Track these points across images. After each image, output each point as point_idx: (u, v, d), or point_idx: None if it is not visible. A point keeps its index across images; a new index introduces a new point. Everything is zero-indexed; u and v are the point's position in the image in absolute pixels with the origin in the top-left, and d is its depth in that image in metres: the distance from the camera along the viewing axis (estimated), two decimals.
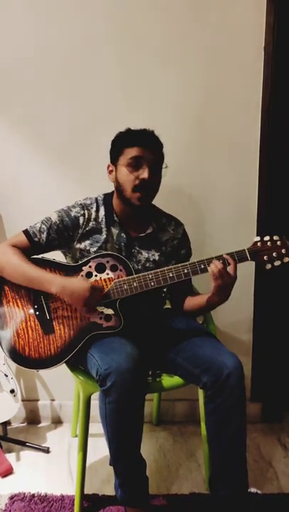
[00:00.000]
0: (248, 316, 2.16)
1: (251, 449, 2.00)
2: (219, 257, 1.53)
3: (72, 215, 1.65)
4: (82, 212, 1.65)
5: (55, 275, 1.57)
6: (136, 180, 1.58)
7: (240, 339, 2.18)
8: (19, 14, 1.90)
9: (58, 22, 1.91)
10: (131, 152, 1.58)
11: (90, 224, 1.65)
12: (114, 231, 1.66)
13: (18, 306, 1.61)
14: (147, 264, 1.66)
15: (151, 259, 1.67)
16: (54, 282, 1.54)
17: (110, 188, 1.71)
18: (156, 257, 1.68)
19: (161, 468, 1.92)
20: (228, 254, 1.53)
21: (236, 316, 2.16)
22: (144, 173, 1.56)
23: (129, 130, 1.64)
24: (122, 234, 1.66)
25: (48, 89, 1.96)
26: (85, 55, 1.93)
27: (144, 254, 1.67)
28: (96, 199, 1.69)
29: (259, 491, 1.78)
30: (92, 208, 1.67)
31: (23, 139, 1.99)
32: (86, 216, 1.65)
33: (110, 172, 1.66)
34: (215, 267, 1.49)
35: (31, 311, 1.60)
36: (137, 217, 1.67)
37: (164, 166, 1.64)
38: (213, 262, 1.51)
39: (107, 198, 1.70)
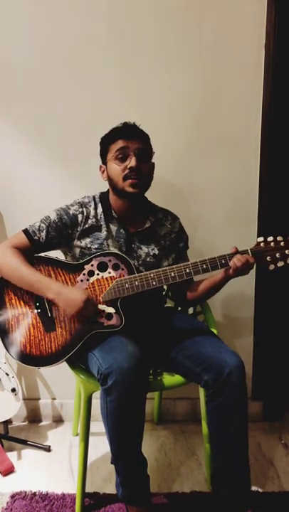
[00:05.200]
0: (249, 314, 2.16)
1: (252, 448, 2.00)
2: (222, 257, 1.53)
3: (71, 213, 1.65)
4: (80, 210, 1.66)
5: (52, 280, 1.57)
6: (125, 170, 1.60)
7: (241, 338, 2.18)
8: (19, 15, 1.90)
9: (57, 22, 1.91)
10: (115, 146, 1.62)
11: (89, 221, 1.66)
12: (113, 227, 1.67)
13: (20, 303, 1.61)
14: (148, 259, 1.67)
15: (151, 254, 1.68)
16: (51, 288, 1.54)
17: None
18: (156, 251, 1.68)
19: (163, 467, 1.92)
20: (230, 254, 1.54)
21: (237, 315, 2.16)
22: (132, 162, 1.59)
23: (111, 129, 1.68)
24: (121, 230, 1.66)
25: (49, 89, 1.96)
26: (85, 55, 1.93)
27: (144, 249, 1.68)
28: (93, 197, 1.71)
29: (260, 490, 1.78)
30: (90, 205, 1.68)
31: (23, 138, 1.99)
32: (85, 214, 1.66)
33: (103, 172, 1.70)
34: (238, 260, 1.52)
35: (33, 308, 1.60)
36: (134, 212, 1.68)
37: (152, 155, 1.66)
38: (235, 257, 1.53)
39: (104, 195, 1.72)
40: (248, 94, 1.96)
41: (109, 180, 1.66)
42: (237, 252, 1.54)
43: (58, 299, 1.54)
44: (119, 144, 1.61)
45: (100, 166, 1.71)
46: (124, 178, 1.61)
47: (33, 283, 1.56)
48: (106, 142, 1.66)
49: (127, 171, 1.60)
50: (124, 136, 1.61)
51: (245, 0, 1.89)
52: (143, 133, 1.66)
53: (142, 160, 1.62)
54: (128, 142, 1.61)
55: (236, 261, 1.52)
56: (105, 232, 1.65)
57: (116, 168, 1.62)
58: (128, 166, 1.60)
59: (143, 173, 1.62)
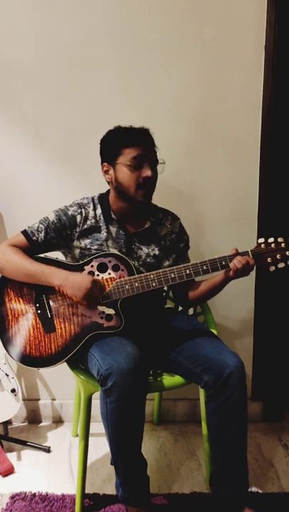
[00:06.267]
0: (249, 315, 2.16)
1: (252, 449, 2.00)
2: (222, 258, 1.53)
3: (70, 213, 1.65)
4: (79, 210, 1.66)
5: (56, 268, 1.58)
6: (139, 179, 1.58)
7: (241, 338, 2.18)
8: (20, 15, 1.90)
9: (58, 22, 1.90)
10: (131, 152, 1.58)
11: (88, 222, 1.65)
12: (113, 229, 1.66)
13: (19, 304, 1.61)
14: (148, 260, 1.67)
15: (152, 254, 1.67)
16: (56, 274, 1.55)
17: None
18: (157, 252, 1.68)
19: (162, 468, 1.92)
20: (230, 255, 1.54)
21: (237, 316, 2.16)
22: (148, 171, 1.58)
23: (123, 129, 1.64)
24: (121, 231, 1.66)
25: (49, 89, 1.95)
26: (85, 55, 1.93)
27: (144, 249, 1.67)
28: (92, 198, 1.70)
29: (260, 491, 1.78)
30: (89, 206, 1.67)
31: (23, 138, 1.99)
32: (83, 215, 1.65)
33: (106, 172, 1.65)
34: (238, 262, 1.51)
35: (33, 309, 1.60)
36: (135, 213, 1.68)
37: (161, 161, 1.64)
38: (235, 258, 1.52)
39: (103, 197, 1.71)
40: (248, 94, 1.96)
41: (117, 183, 1.62)
42: (237, 253, 1.54)
43: (64, 285, 1.54)
44: (136, 150, 1.57)
45: (103, 165, 1.66)
46: (138, 187, 1.59)
47: (37, 274, 1.56)
48: (118, 143, 1.61)
49: (140, 180, 1.58)
50: (141, 143, 1.59)
51: (246, 2, 1.89)
52: (153, 140, 1.64)
53: (154, 168, 1.61)
54: (144, 150, 1.58)
55: (236, 262, 1.52)
56: (105, 234, 1.65)
57: (129, 175, 1.58)
58: (143, 176, 1.58)
59: (154, 181, 1.62)
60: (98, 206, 1.68)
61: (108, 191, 1.71)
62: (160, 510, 1.69)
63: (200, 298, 1.72)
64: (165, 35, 1.91)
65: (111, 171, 1.64)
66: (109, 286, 1.57)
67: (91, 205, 1.68)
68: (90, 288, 1.51)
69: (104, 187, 1.72)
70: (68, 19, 1.91)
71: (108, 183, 1.68)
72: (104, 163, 1.65)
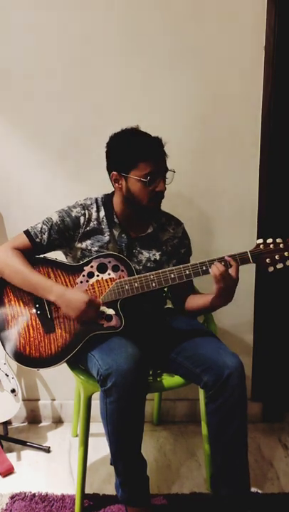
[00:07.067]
0: (248, 315, 2.16)
1: (252, 449, 2.00)
2: (221, 259, 1.52)
3: (73, 215, 1.64)
4: (82, 212, 1.65)
5: (54, 283, 1.57)
6: (152, 193, 1.58)
7: (241, 339, 2.18)
8: (19, 14, 1.90)
9: (58, 22, 1.91)
10: (146, 168, 1.55)
11: (91, 224, 1.65)
12: (115, 232, 1.66)
13: (19, 305, 1.61)
14: (148, 264, 1.66)
15: (152, 259, 1.67)
16: (53, 290, 1.54)
17: (111, 188, 1.70)
18: (157, 257, 1.68)
19: (162, 468, 1.92)
20: (230, 256, 1.52)
21: (237, 316, 2.15)
22: (161, 186, 1.58)
23: (137, 138, 1.60)
24: (123, 235, 1.66)
25: (49, 89, 1.95)
26: (86, 56, 1.93)
27: (145, 254, 1.67)
28: (96, 199, 1.69)
29: (260, 491, 1.78)
30: (92, 208, 1.67)
31: (23, 139, 1.99)
32: (86, 216, 1.65)
33: (116, 181, 1.62)
34: (217, 269, 1.48)
35: (33, 310, 1.60)
36: (139, 218, 1.67)
37: (171, 169, 1.63)
38: (214, 264, 1.49)
39: (107, 199, 1.69)
40: (248, 95, 1.96)
41: (129, 194, 1.59)
42: (234, 254, 1.53)
43: (59, 302, 1.54)
44: (151, 166, 1.55)
45: (113, 174, 1.61)
46: (150, 200, 1.59)
47: (34, 285, 1.56)
48: (133, 156, 1.56)
49: (154, 194, 1.58)
50: (156, 158, 1.57)
51: (246, 3, 1.89)
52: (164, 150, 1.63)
53: (165, 179, 1.61)
54: (159, 166, 1.58)
55: (215, 270, 1.48)
56: (108, 237, 1.65)
57: (142, 190, 1.57)
58: (157, 190, 1.57)
59: (164, 192, 1.62)
60: (102, 208, 1.67)
61: (113, 193, 1.70)
62: (160, 510, 1.69)
63: (194, 312, 1.73)
64: (165, 36, 1.91)
65: (122, 182, 1.60)
66: (109, 287, 1.57)
67: (94, 206, 1.67)
68: (83, 310, 1.51)
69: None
70: (69, 19, 1.90)
71: (114, 187, 1.66)
72: (115, 173, 1.61)
